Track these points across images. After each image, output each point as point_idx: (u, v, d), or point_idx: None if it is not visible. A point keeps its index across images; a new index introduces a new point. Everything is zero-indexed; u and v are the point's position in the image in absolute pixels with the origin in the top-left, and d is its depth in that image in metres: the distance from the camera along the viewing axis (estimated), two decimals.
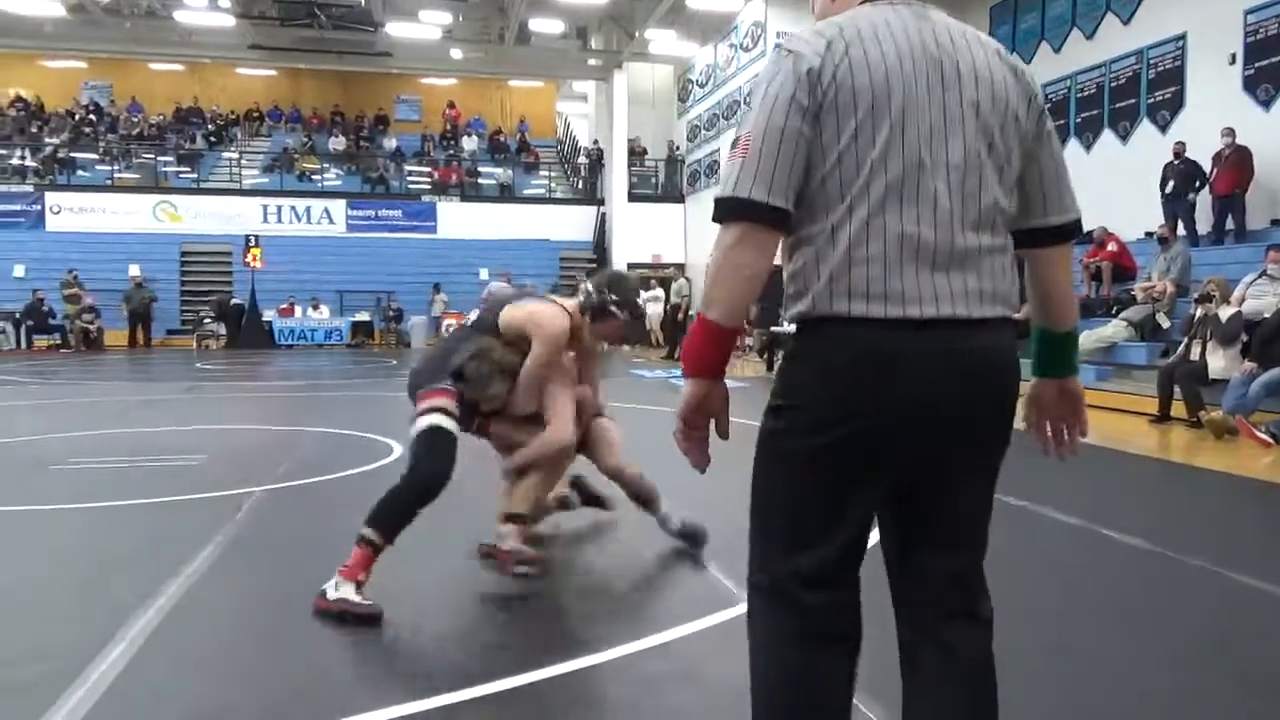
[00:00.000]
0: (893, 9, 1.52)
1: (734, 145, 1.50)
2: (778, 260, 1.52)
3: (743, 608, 3.17)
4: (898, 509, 1.62)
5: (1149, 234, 11.60)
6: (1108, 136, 13.67)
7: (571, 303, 3.70)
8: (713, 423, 1.62)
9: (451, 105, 29.43)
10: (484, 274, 23.60)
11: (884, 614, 1.68)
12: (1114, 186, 12.25)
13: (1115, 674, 2.73)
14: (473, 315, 3.74)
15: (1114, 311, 10.96)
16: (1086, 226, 11.51)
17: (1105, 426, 8.11)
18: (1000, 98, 1.52)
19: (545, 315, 3.54)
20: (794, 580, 1.57)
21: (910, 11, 1.53)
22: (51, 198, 22.83)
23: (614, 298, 3.62)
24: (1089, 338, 10.19)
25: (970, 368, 1.49)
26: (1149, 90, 12.94)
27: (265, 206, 23.71)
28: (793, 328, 1.56)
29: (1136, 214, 12.04)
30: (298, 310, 21.52)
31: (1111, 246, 11.90)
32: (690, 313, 19.37)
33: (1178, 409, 8.26)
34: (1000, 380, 1.54)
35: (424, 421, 3.30)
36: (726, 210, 1.47)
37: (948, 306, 1.46)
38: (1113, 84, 13.57)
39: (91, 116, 26.69)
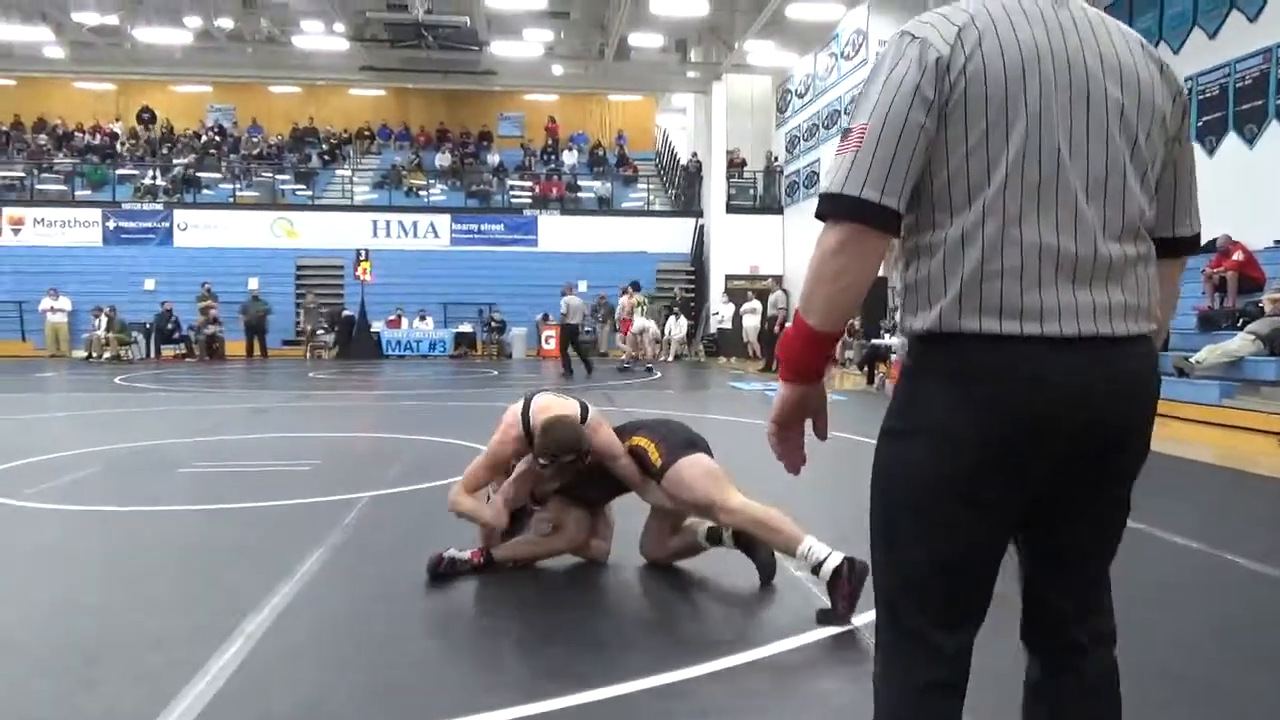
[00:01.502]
0: None
1: (845, 136, 1.38)
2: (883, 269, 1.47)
3: (841, 626, 3.14)
4: (1029, 536, 1.52)
5: (1278, 242, 10.97)
6: (1232, 140, 12.98)
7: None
8: (809, 424, 1.56)
9: (552, 120, 29.97)
10: (583, 286, 23.93)
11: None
12: (1239, 192, 11.62)
13: (1230, 703, 2.58)
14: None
15: (1240, 324, 10.37)
16: (1210, 234, 11.04)
17: (1229, 446, 7.68)
18: (1146, 97, 1.40)
19: (505, 419, 3.74)
20: (931, 625, 1.47)
21: None
22: (179, 215, 24.20)
23: (535, 447, 3.61)
24: (1212, 352, 9.68)
25: (1114, 389, 1.38)
26: (1279, 91, 12.24)
27: (375, 221, 24.60)
28: (896, 340, 1.52)
29: (1264, 221, 11.41)
30: (404, 322, 22.21)
31: (1237, 255, 11.28)
32: (788, 323, 19.16)
33: None
34: (1143, 403, 1.44)
35: None
36: (832, 208, 1.36)
37: (1090, 324, 1.35)
38: (1238, 85, 12.89)
39: (216, 138, 28.18)
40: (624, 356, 18.35)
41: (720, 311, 22.68)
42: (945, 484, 1.40)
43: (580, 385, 14.05)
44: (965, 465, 1.38)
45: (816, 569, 3.23)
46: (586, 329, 19.56)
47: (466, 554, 3.75)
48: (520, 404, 3.75)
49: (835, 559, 3.20)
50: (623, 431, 3.81)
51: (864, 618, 3.14)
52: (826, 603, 3.28)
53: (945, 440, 1.39)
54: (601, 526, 3.94)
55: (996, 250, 1.34)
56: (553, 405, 3.72)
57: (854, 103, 1.43)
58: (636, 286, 19.36)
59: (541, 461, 3.57)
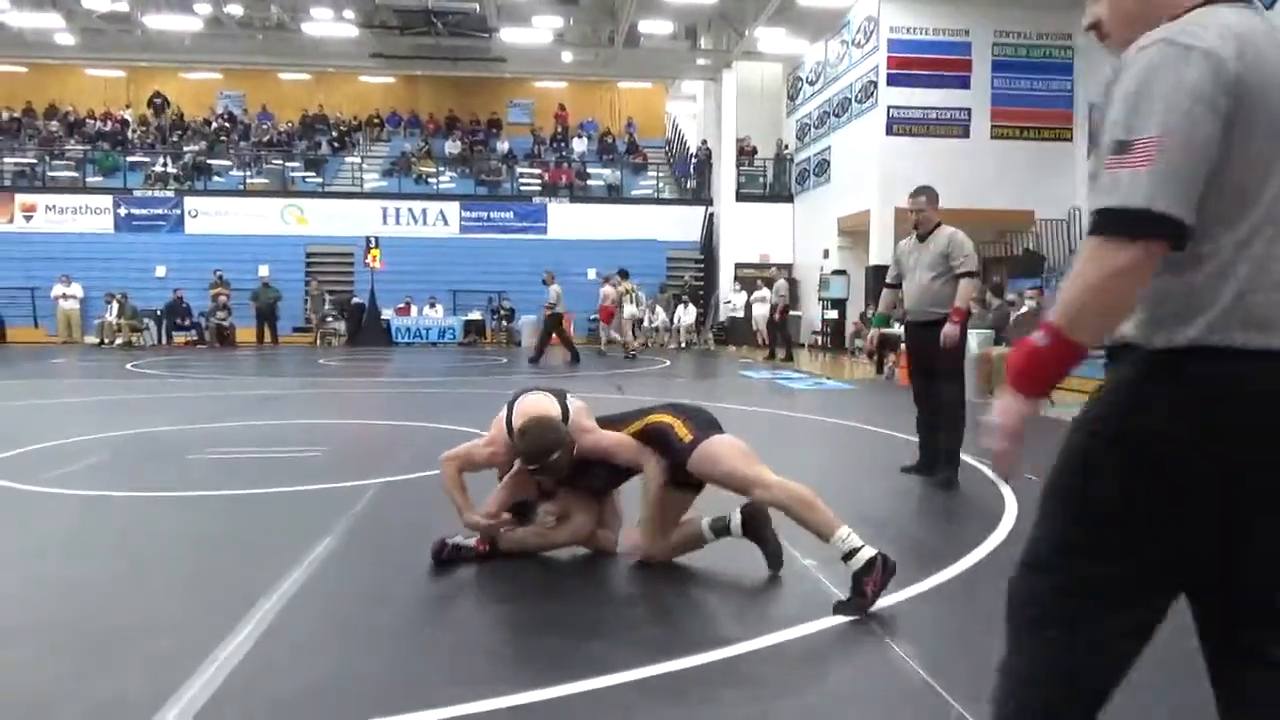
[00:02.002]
0: (1234, 9, 1.40)
1: (1124, 148, 1.34)
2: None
3: (842, 618, 3.14)
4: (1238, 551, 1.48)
5: None
6: None
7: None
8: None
9: (562, 108, 29.90)
10: (591, 274, 23.91)
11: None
12: None
13: None
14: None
15: None
16: None
17: None
18: None
19: (493, 428, 3.83)
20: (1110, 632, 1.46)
21: (1251, 12, 1.41)
22: (190, 202, 24.24)
23: (517, 452, 3.66)
24: None
25: None
26: None
27: (384, 209, 24.60)
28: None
29: None
30: (414, 309, 22.25)
31: None
32: (790, 313, 19.17)
33: None
34: None
35: None
36: (1127, 224, 1.32)
37: None
38: None
39: (226, 125, 28.21)
40: (604, 344, 18.56)
41: (732, 300, 22.65)
42: (1171, 501, 1.40)
43: (592, 374, 14.06)
44: (1199, 484, 1.38)
45: (849, 556, 3.21)
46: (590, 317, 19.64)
47: (472, 541, 3.76)
48: (504, 412, 3.81)
49: (870, 551, 3.20)
50: (642, 411, 3.79)
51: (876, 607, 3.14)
52: (837, 593, 3.28)
53: (1179, 456, 1.38)
54: (609, 516, 3.94)
55: (1268, 263, 1.36)
56: (531, 408, 3.74)
57: (1118, 114, 1.37)
58: (625, 274, 19.37)
59: (530, 467, 3.61)
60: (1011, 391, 1.47)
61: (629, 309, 19.03)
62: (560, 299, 16.05)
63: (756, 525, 3.61)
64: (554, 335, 16.28)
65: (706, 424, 3.67)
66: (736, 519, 3.65)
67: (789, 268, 23.96)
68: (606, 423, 3.81)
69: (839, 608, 3.18)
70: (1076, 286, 1.37)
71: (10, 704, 2.46)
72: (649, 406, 3.85)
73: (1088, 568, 1.47)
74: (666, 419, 3.66)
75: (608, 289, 18.90)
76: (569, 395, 3.89)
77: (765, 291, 22.20)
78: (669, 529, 3.75)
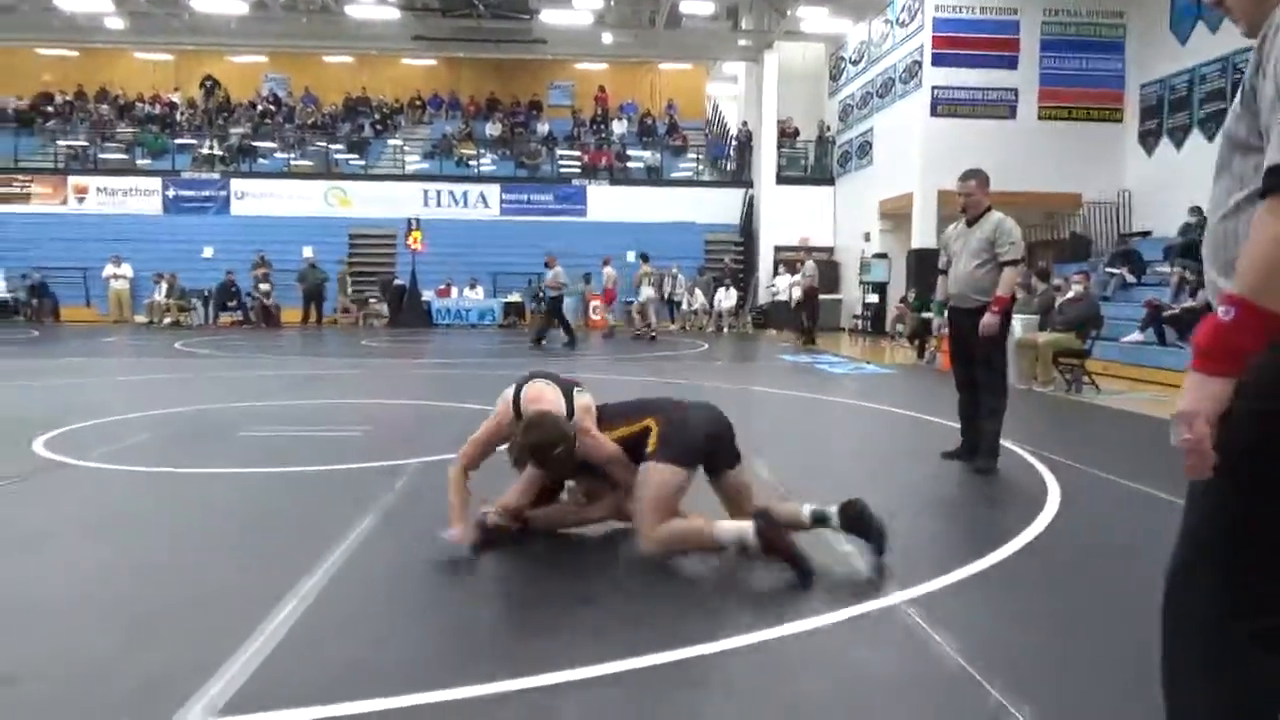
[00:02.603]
0: None
1: None
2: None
3: (884, 601, 3.13)
4: None
5: None
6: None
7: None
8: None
9: (602, 89, 29.82)
10: (630, 256, 23.90)
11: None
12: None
13: None
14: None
15: None
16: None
17: None
18: None
19: (498, 408, 3.88)
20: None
21: None
22: (236, 184, 24.61)
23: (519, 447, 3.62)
24: None
25: None
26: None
27: (426, 191, 24.77)
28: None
29: None
30: (454, 291, 22.41)
31: None
32: (820, 296, 19.07)
33: None
34: None
35: None
36: None
37: None
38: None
39: (271, 107, 28.53)
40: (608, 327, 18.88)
41: (775, 284, 22.50)
42: None
43: (619, 355, 14.07)
44: None
45: (822, 520, 3.54)
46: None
47: (504, 520, 3.80)
48: (513, 389, 3.85)
49: (749, 526, 3.39)
50: (641, 410, 3.79)
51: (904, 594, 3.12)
52: (874, 577, 3.27)
53: None
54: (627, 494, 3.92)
55: None
56: (537, 397, 3.76)
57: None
58: (645, 258, 19.43)
59: (533, 460, 3.63)
60: (1199, 375, 1.37)
61: (647, 291, 19.09)
62: (561, 280, 16.14)
63: (856, 519, 3.57)
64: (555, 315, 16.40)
65: (681, 445, 3.60)
66: (836, 511, 3.61)
67: (829, 251, 23.75)
68: (605, 417, 3.82)
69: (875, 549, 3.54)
70: (1259, 250, 1.30)
71: (66, 676, 2.54)
72: (649, 402, 3.86)
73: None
74: (648, 425, 3.67)
75: (609, 270, 18.93)
76: (577, 390, 3.87)
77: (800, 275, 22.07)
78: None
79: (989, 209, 5.63)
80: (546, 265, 16.58)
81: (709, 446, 3.67)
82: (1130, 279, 14.35)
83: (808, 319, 18.03)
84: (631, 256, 23.64)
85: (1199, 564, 1.45)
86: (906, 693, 2.54)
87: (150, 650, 2.71)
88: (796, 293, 21.61)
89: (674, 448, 3.59)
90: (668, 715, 2.38)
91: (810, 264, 18.90)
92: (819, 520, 3.61)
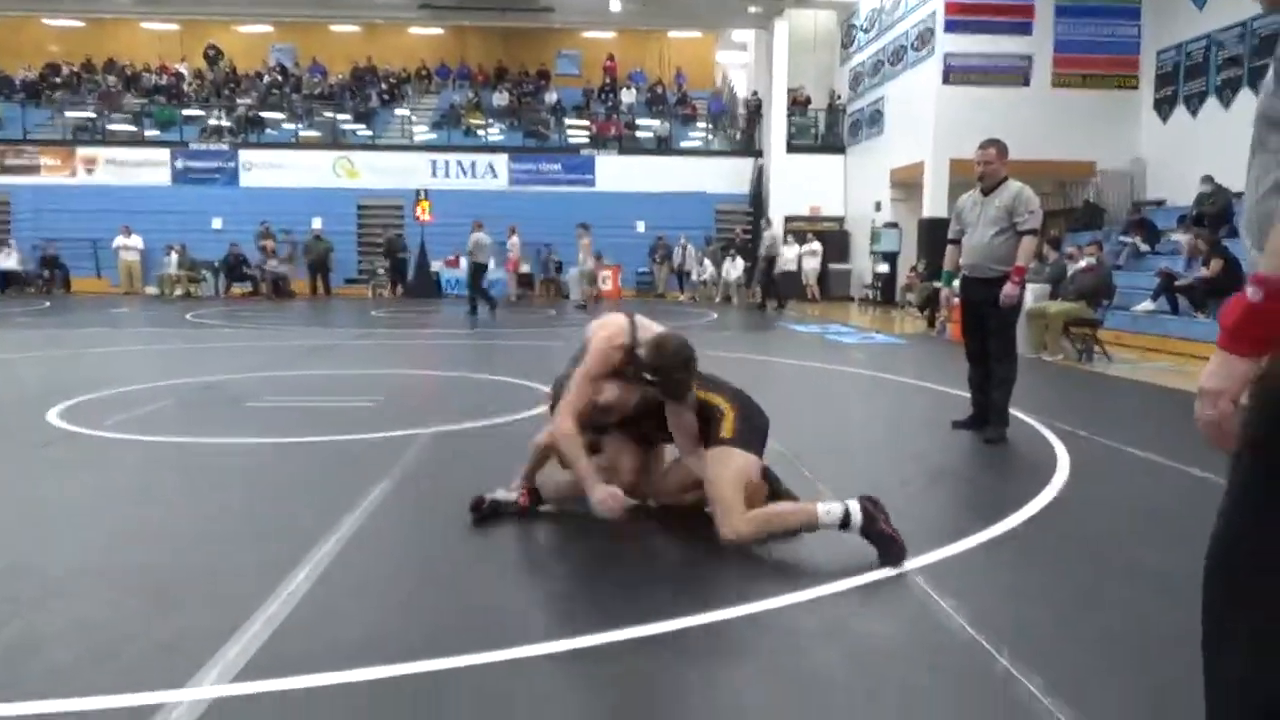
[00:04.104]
0: None
1: None
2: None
3: (890, 570, 3.15)
4: None
5: None
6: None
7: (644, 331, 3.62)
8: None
9: (611, 58, 29.56)
10: (640, 226, 23.77)
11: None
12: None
13: None
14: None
15: None
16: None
17: None
18: None
19: (607, 326, 3.63)
20: None
21: None
22: (244, 155, 24.55)
23: (644, 358, 3.49)
24: None
25: None
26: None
27: (434, 161, 24.66)
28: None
29: None
30: (462, 262, 22.34)
31: None
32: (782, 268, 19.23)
33: None
34: None
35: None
36: None
37: None
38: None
39: (279, 78, 28.40)
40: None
41: (784, 253, 22.37)
42: None
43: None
44: None
45: (844, 524, 3.23)
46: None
47: (514, 496, 3.79)
48: (620, 316, 3.70)
49: (852, 502, 3.24)
50: (717, 384, 3.73)
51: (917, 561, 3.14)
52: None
53: None
54: (655, 464, 3.94)
55: None
56: (642, 324, 3.68)
57: None
58: (586, 227, 19.06)
59: (649, 376, 3.51)
60: (1224, 353, 1.37)
61: (585, 261, 18.99)
62: (480, 248, 16.11)
63: (870, 528, 3.31)
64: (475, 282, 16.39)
65: (753, 433, 3.59)
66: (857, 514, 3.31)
67: (840, 220, 23.61)
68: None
69: (884, 561, 3.18)
70: None
71: (81, 643, 2.57)
72: (714, 378, 3.78)
73: None
74: (723, 405, 3.60)
75: (514, 240, 18.79)
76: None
77: (816, 245, 21.95)
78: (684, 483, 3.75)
79: (1006, 179, 5.59)
80: (473, 230, 16.49)
81: (763, 442, 3.67)
82: (1143, 248, 14.23)
83: (772, 290, 18.58)
84: (642, 227, 23.54)
85: (1241, 533, 1.44)
86: (915, 661, 2.56)
87: (166, 618, 2.74)
88: (809, 263, 21.58)
89: (750, 436, 3.57)
90: (677, 683, 2.40)
91: (769, 233, 18.76)
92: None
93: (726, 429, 3.54)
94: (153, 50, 29.07)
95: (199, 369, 8.47)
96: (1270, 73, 1.45)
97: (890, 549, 3.20)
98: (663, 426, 3.74)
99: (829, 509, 3.27)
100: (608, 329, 3.62)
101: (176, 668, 2.37)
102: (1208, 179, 13.30)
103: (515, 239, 19.62)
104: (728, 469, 3.43)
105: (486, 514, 3.73)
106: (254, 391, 7.17)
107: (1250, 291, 1.33)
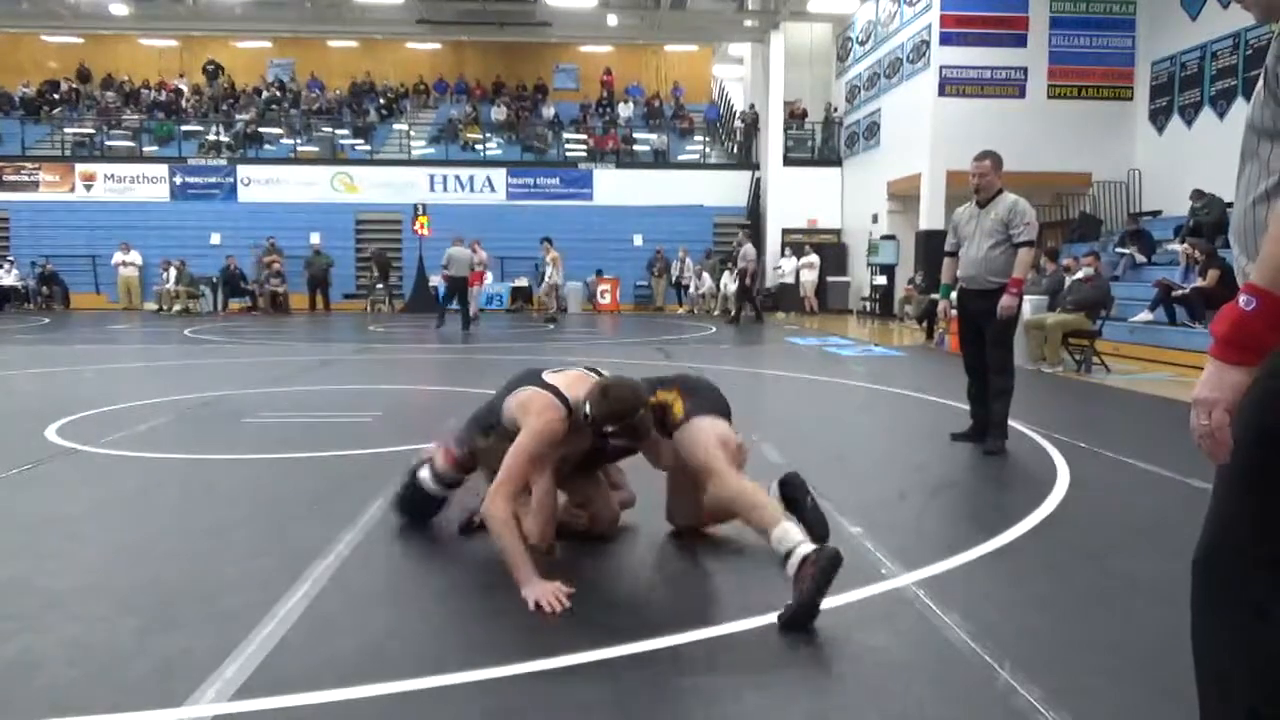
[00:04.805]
0: None
1: None
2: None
3: (892, 583, 3.14)
4: None
5: None
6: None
7: (576, 391, 3.40)
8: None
9: (608, 72, 29.68)
10: (638, 240, 23.82)
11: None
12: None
13: None
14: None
15: None
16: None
17: None
18: None
19: (535, 404, 3.35)
20: None
21: None
22: (243, 170, 24.60)
23: (595, 416, 3.28)
24: None
25: None
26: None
27: (432, 176, 24.72)
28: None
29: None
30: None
31: None
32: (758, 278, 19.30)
33: None
34: None
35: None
36: None
37: None
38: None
39: (277, 93, 28.49)
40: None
41: (782, 265, 22.45)
42: None
43: (648, 339, 14.06)
44: None
45: (785, 559, 2.95)
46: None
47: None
48: (535, 386, 3.43)
49: (806, 547, 2.91)
50: (650, 387, 3.67)
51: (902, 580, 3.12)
52: (884, 560, 3.27)
53: None
54: (608, 489, 3.86)
55: None
56: (575, 381, 3.47)
57: None
58: (550, 241, 19.04)
59: (608, 429, 3.32)
60: (1217, 363, 1.37)
61: (551, 274, 18.96)
62: (455, 261, 16.17)
63: (792, 493, 3.57)
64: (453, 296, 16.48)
65: (703, 402, 3.56)
66: (774, 488, 3.60)
67: (837, 232, 23.66)
68: None
69: (783, 622, 2.80)
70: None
71: (83, 660, 2.56)
72: (662, 378, 3.77)
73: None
74: (667, 397, 3.57)
75: (482, 254, 18.90)
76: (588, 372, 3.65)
77: (814, 257, 22.00)
78: (699, 496, 3.57)
79: (1001, 190, 5.62)
80: (452, 244, 16.60)
81: (724, 412, 3.60)
82: (1140, 259, 14.27)
83: (749, 303, 18.70)
84: (639, 240, 23.59)
85: (1230, 537, 1.46)
86: (915, 674, 2.55)
87: (165, 635, 2.73)
88: (807, 275, 21.62)
89: (700, 404, 3.54)
90: (674, 698, 2.40)
91: (748, 248, 18.70)
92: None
93: (677, 411, 3.51)
94: (151, 67, 29.18)
95: (197, 385, 8.46)
96: (1260, 83, 1.46)
97: (796, 609, 2.80)
98: (617, 457, 3.76)
99: (785, 536, 3.01)
100: (536, 406, 3.34)
101: (175, 686, 2.37)
102: (1197, 193, 13.34)
103: (482, 253, 19.65)
104: (695, 441, 3.41)
105: (476, 531, 3.70)
106: (252, 407, 7.16)
107: (1242, 301, 1.34)
